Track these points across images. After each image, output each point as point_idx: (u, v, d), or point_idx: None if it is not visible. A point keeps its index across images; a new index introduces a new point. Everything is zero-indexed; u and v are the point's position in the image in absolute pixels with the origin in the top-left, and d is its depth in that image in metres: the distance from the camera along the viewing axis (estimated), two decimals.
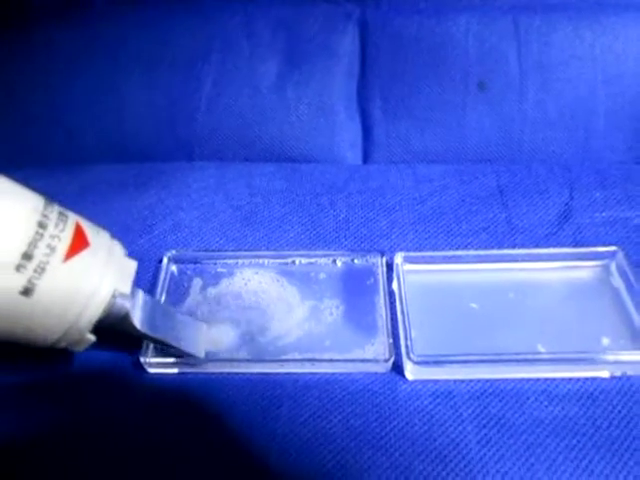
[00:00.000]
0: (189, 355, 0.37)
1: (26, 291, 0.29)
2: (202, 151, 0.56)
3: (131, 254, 0.42)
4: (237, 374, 0.37)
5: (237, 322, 0.40)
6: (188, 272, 0.43)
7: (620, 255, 0.41)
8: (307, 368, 0.37)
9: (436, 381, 0.36)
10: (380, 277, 0.41)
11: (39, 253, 0.29)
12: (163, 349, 0.37)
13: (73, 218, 0.32)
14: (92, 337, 0.34)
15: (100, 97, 0.56)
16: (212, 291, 0.42)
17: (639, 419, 0.34)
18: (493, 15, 0.54)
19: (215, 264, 0.43)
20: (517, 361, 0.36)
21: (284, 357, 0.37)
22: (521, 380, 0.36)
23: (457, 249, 0.44)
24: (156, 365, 0.38)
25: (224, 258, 0.43)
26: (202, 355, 0.37)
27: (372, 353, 0.37)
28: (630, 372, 0.36)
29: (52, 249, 0.30)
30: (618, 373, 0.36)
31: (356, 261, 0.43)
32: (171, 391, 0.37)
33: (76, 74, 0.56)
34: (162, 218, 0.47)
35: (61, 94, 0.56)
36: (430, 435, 0.34)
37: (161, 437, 0.35)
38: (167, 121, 0.56)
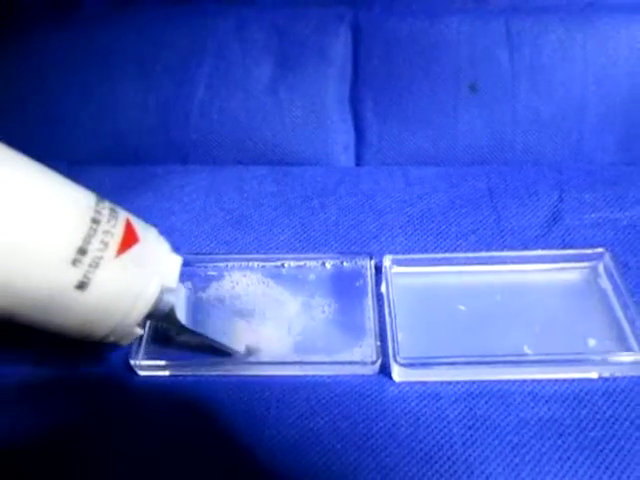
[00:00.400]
0: (229, 350, 0.37)
1: (81, 285, 0.30)
2: (196, 154, 0.56)
3: None
4: (226, 376, 0.38)
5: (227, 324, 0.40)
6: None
7: (607, 257, 0.41)
8: (295, 370, 0.37)
9: (423, 383, 0.37)
10: (369, 280, 0.41)
11: (93, 248, 0.30)
12: (202, 345, 0.38)
13: (123, 214, 0.33)
14: (140, 330, 0.34)
15: (93, 100, 0.56)
16: (202, 295, 0.42)
17: (624, 420, 0.34)
18: (485, 17, 0.54)
19: (206, 267, 0.44)
20: (503, 362, 0.36)
21: (272, 359, 0.38)
22: (507, 381, 0.36)
23: (446, 251, 0.44)
24: (146, 368, 0.38)
25: (215, 261, 0.44)
26: (242, 350, 0.38)
27: (360, 355, 0.38)
28: (617, 373, 0.36)
29: (105, 244, 0.30)
30: (606, 374, 0.36)
31: (345, 264, 0.43)
32: (161, 394, 0.37)
33: (69, 77, 0.57)
34: (153, 221, 0.47)
35: (54, 98, 0.56)
36: (416, 436, 0.34)
37: (151, 439, 0.35)
38: (160, 124, 0.56)
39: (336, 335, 0.39)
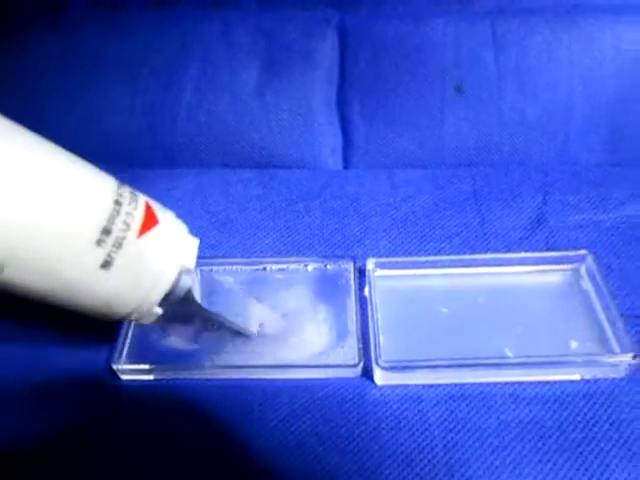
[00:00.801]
0: (242, 330, 0.39)
1: (105, 264, 0.31)
2: (183, 158, 0.56)
3: None
4: (208, 380, 0.38)
5: (210, 329, 0.40)
6: None
7: (590, 259, 0.41)
8: (277, 374, 0.37)
9: (405, 386, 0.37)
10: (352, 283, 0.41)
11: (116, 229, 0.31)
12: (214, 325, 0.39)
13: (143, 198, 0.34)
14: (159, 310, 0.35)
15: (80, 103, 0.56)
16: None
17: (604, 422, 0.34)
18: (471, 19, 0.55)
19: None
20: (485, 365, 0.36)
21: (254, 363, 0.38)
22: (489, 384, 0.36)
23: (430, 254, 0.44)
24: (129, 372, 0.38)
25: (199, 265, 0.43)
26: (255, 331, 0.39)
27: (342, 358, 0.38)
28: (599, 375, 0.36)
29: (127, 225, 0.32)
30: (588, 376, 0.36)
31: (328, 267, 0.43)
32: (143, 397, 0.37)
33: (56, 80, 0.57)
34: None
35: (40, 100, 0.56)
36: (397, 439, 0.34)
37: (133, 443, 0.35)
38: (147, 127, 0.56)
39: (319, 338, 0.39)
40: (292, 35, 0.57)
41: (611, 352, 0.37)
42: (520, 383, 0.36)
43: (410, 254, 0.44)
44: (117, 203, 0.32)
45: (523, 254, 0.42)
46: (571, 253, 0.42)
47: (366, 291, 0.40)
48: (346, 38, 0.56)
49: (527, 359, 0.36)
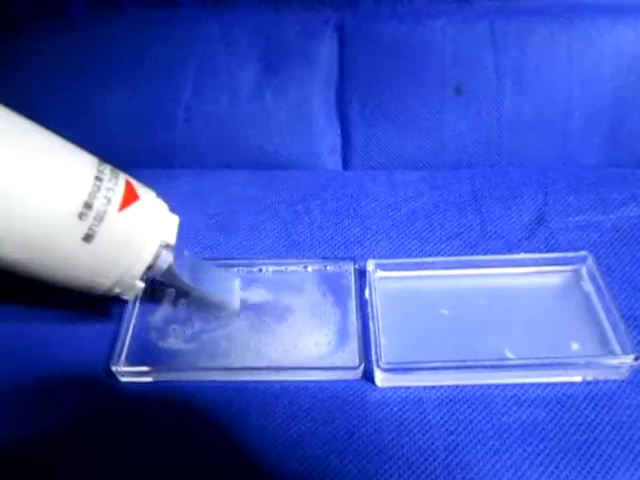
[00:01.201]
0: (225, 306, 0.40)
1: (87, 237, 0.33)
2: (181, 158, 0.56)
3: None
4: (208, 382, 0.37)
5: (209, 330, 0.40)
6: None
7: (590, 260, 0.41)
8: (277, 376, 0.37)
9: (406, 388, 0.37)
10: (352, 284, 0.41)
11: (98, 203, 0.33)
12: (196, 300, 0.41)
13: (123, 175, 0.36)
14: (141, 284, 0.37)
15: (78, 105, 0.56)
16: (184, 301, 0.42)
17: (606, 424, 0.34)
18: (470, 20, 0.54)
19: None
20: (486, 367, 0.36)
21: (254, 365, 0.38)
22: (490, 386, 0.36)
23: (430, 255, 0.44)
24: (128, 374, 0.38)
25: None
26: (237, 306, 0.41)
27: (342, 360, 0.38)
28: (600, 377, 0.36)
29: (108, 200, 0.34)
30: (589, 378, 0.36)
31: (328, 268, 0.43)
32: (142, 399, 0.37)
33: (55, 82, 0.56)
34: None
35: (40, 101, 0.56)
36: (398, 442, 0.34)
37: (132, 445, 0.35)
38: (146, 129, 0.56)
39: (319, 340, 0.39)
40: (291, 35, 0.56)
41: (612, 354, 0.37)
42: (521, 385, 0.36)
43: (410, 255, 0.44)
44: (98, 179, 0.34)
45: (524, 255, 0.42)
46: (571, 254, 0.42)
47: (367, 293, 0.40)
48: (345, 38, 0.56)
49: (528, 361, 0.36)
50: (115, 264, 0.35)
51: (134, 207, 0.35)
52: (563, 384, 0.36)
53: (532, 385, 0.36)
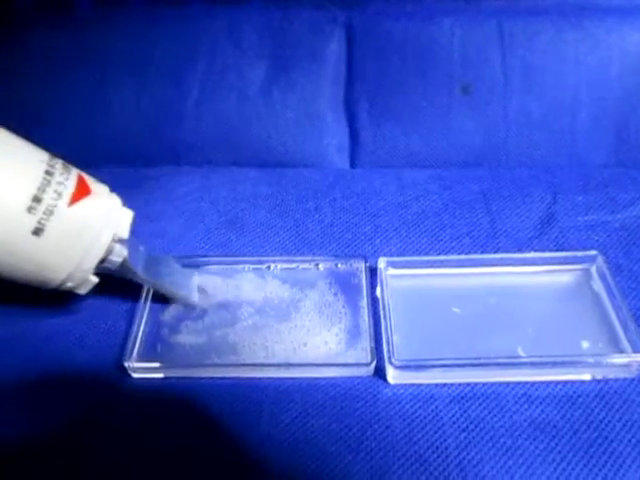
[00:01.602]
0: (182, 299, 0.41)
1: (36, 231, 0.33)
2: (189, 156, 0.56)
3: None
4: (220, 379, 0.38)
5: (221, 327, 0.40)
6: None
7: (600, 259, 0.41)
8: (289, 372, 0.37)
9: (418, 385, 0.37)
10: (363, 282, 0.41)
11: (47, 197, 0.33)
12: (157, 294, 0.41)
13: (75, 170, 0.36)
14: (95, 279, 0.37)
15: (86, 102, 0.56)
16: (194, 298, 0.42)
17: (616, 422, 0.35)
18: (477, 19, 0.55)
19: (200, 269, 0.43)
20: (497, 365, 0.36)
21: (266, 361, 0.38)
22: (501, 384, 0.37)
23: (440, 254, 0.44)
24: (140, 370, 0.38)
25: (209, 264, 0.44)
26: (196, 300, 0.41)
27: (354, 357, 0.38)
28: (610, 375, 0.36)
29: (59, 194, 0.34)
30: (599, 376, 0.36)
31: (339, 266, 0.43)
32: (154, 396, 0.37)
33: (62, 79, 0.57)
34: (147, 223, 0.48)
35: (47, 99, 0.56)
36: (410, 439, 0.34)
37: (144, 441, 0.35)
38: (154, 126, 0.56)
39: (331, 337, 0.39)
40: (299, 33, 0.57)
41: (622, 352, 0.37)
42: (532, 383, 0.36)
43: (421, 254, 0.45)
44: (48, 173, 0.34)
45: (534, 254, 0.42)
46: (581, 253, 0.42)
47: (378, 291, 0.40)
48: (353, 37, 0.56)
49: (539, 359, 0.36)
50: (65, 258, 0.35)
51: (85, 201, 0.35)
52: (574, 382, 0.36)
53: (543, 383, 0.36)
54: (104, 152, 0.56)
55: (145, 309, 0.41)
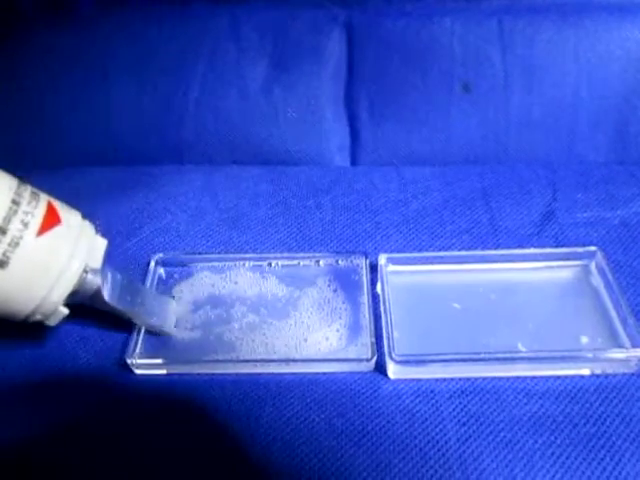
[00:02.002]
0: (159, 329, 0.39)
1: (1, 263, 0.31)
2: (190, 154, 0.56)
3: (118, 257, 0.43)
4: (221, 375, 0.38)
5: (222, 324, 0.40)
6: (175, 275, 0.44)
7: (599, 255, 0.41)
8: (290, 368, 0.38)
9: (418, 380, 0.37)
10: (364, 278, 0.42)
11: (13, 228, 0.31)
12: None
13: (45, 198, 0.34)
14: (65, 310, 0.35)
15: (88, 101, 0.56)
16: (197, 294, 0.42)
17: (615, 416, 0.35)
18: (478, 17, 0.55)
19: (202, 266, 0.44)
20: (497, 360, 0.36)
21: (268, 357, 0.38)
22: (501, 379, 0.37)
23: (440, 250, 0.45)
24: (143, 366, 0.38)
25: (210, 261, 0.44)
26: (173, 329, 0.40)
27: (355, 353, 0.38)
28: (609, 370, 0.37)
29: (25, 224, 0.32)
30: (598, 371, 0.37)
31: (340, 262, 0.43)
32: (157, 392, 0.37)
33: (64, 78, 0.57)
34: (149, 221, 0.48)
35: (49, 98, 0.57)
36: (411, 433, 0.35)
37: (147, 438, 0.35)
38: (155, 124, 0.56)
39: (331, 333, 0.39)
40: (300, 32, 0.57)
41: (621, 347, 0.37)
42: (532, 378, 0.37)
43: (421, 250, 0.45)
44: (14, 202, 0.32)
45: (533, 250, 0.42)
46: (581, 249, 0.42)
47: (378, 287, 0.41)
48: (354, 35, 0.57)
49: (538, 354, 0.37)
50: (32, 291, 0.33)
51: (54, 231, 0.33)
52: (573, 377, 0.37)
53: (542, 378, 0.37)
54: (106, 151, 0.56)
55: None
